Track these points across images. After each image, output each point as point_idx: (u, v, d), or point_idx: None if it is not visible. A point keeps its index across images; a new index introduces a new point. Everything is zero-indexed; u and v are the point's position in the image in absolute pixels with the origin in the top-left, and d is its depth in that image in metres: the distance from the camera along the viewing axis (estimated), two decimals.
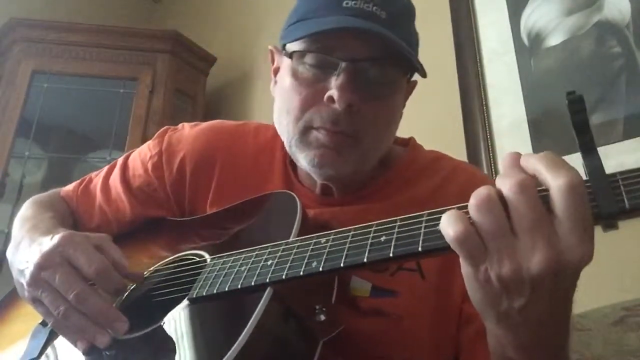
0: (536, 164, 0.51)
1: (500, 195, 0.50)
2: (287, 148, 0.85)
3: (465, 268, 0.52)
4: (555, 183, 0.48)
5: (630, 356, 0.98)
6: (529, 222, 0.48)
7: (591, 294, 1.29)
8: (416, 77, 2.07)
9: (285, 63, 0.84)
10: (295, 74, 0.81)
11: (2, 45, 2.34)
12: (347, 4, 0.77)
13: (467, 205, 0.52)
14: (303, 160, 0.81)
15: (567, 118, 0.53)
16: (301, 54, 0.80)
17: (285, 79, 0.83)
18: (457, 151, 1.72)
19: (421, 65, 0.83)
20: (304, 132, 0.80)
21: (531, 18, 1.78)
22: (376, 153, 0.84)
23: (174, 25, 2.59)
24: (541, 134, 1.64)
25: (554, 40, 1.71)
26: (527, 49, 1.76)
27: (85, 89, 2.34)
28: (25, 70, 2.26)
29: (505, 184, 0.50)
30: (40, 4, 2.61)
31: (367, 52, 0.77)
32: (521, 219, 0.48)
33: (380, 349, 0.76)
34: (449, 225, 0.51)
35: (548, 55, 1.71)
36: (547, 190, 0.49)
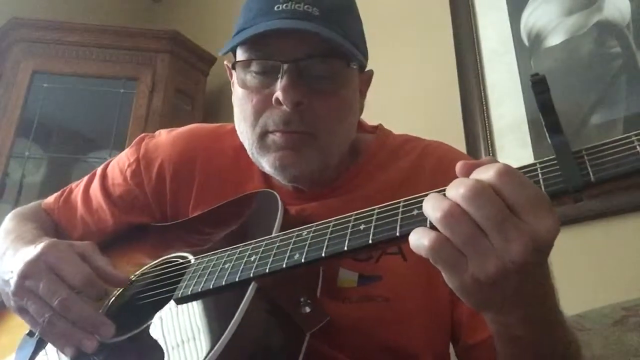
0: (471, 174, 0.54)
1: (459, 205, 0.51)
2: (250, 155, 0.87)
3: (452, 280, 0.53)
4: (487, 176, 0.51)
5: (630, 356, 0.98)
6: (496, 220, 0.50)
7: (591, 294, 1.30)
8: (417, 76, 2.07)
9: (235, 74, 0.86)
10: (243, 83, 0.84)
11: (2, 45, 2.34)
12: (278, 7, 0.80)
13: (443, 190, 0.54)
14: (265, 164, 0.83)
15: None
16: (245, 63, 0.83)
17: (237, 90, 0.86)
18: None
19: (361, 55, 0.85)
20: (262, 137, 0.82)
21: (531, 18, 1.78)
22: (336, 147, 0.85)
23: (174, 25, 2.58)
24: (541, 134, 1.64)
25: (554, 40, 1.71)
26: (527, 49, 1.76)
27: (85, 89, 2.34)
28: (25, 70, 2.26)
29: (460, 193, 0.51)
30: (40, 4, 2.61)
31: (305, 51, 0.79)
32: (488, 221, 0.50)
33: (370, 335, 0.77)
34: (420, 240, 0.53)
35: (548, 55, 1.71)
36: None
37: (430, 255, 0.52)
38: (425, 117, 1.88)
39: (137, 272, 0.87)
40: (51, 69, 2.29)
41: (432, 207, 0.53)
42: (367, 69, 0.92)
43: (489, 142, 1.73)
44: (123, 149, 2.19)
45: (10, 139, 2.18)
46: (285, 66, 0.78)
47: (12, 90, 2.23)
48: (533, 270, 0.52)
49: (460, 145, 1.75)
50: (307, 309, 0.68)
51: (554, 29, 1.72)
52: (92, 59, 2.31)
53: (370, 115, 1.00)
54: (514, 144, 1.69)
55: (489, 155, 1.70)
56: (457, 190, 0.52)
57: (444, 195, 0.53)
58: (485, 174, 0.52)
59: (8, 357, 0.85)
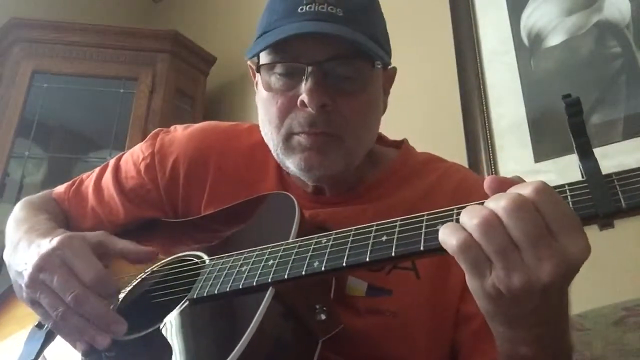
0: (506, 190, 0.53)
1: (497, 216, 0.51)
2: (275, 156, 0.87)
3: (472, 282, 0.54)
4: (526, 192, 0.51)
5: (630, 356, 0.98)
6: (533, 237, 0.50)
7: (591, 294, 1.30)
8: (417, 76, 2.07)
9: (259, 76, 0.86)
10: (268, 86, 0.83)
11: (2, 45, 2.34)
12: (302, 9, 0.80)
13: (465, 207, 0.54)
14: (291, 165, 0.83)
15: (567, 118, 0.54)
16: (269, 66, 0.83)
17: (261, 91, 0.86)
18: (457, 151, 1.72)
19: (385, 54, 0.85)
20: (287, 139, 0.82)
21: (531, 18, 1.78)
22: (361, 147, 0.85)
23: (174, 25, 2.58)
24: (541, 134, 1.64)
25: (554, 40, 1.71)
26: (527, 49, 1.76)
27: (85, 89, 2.34)
28: (25, 70, 2.25)
29: (501, 205, 0.51)
30: (40, 4, 2.61)
31: (329, 53, 0.79)
32: (525, 236, 0.50)
33: (376, 347, 0.77)
34: (450, 236, 0.52)
35: (548, 55, 1.71)
36: None
37: (456, 253, 0.52)
38: (425, 117, 1.88)
39: (148, 270, 0.86)
40: (51, 69, 2.28)
41: (470, 214, 0.52)
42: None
43: (489, 142, 1.73)
44: (123, 149, 2.22)
45: (10, 139, 2.17)
46: (309, 68, 0.78)
47: (12, 90, 2.23)
48: (556, 291, 0.52)
49: (460, 145, 1.75)
50: (323, 316, 0.68)
51: (554, 29, 1.72)
52: (92, 59, 2.31)
53: None
54: (514, 144, 1.69)
55: (489, 155, 1.71)
56: (497, 203, 0.51)
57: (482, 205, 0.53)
58: (524, 190, 0.52)
59: (14, 347, 0.85)
